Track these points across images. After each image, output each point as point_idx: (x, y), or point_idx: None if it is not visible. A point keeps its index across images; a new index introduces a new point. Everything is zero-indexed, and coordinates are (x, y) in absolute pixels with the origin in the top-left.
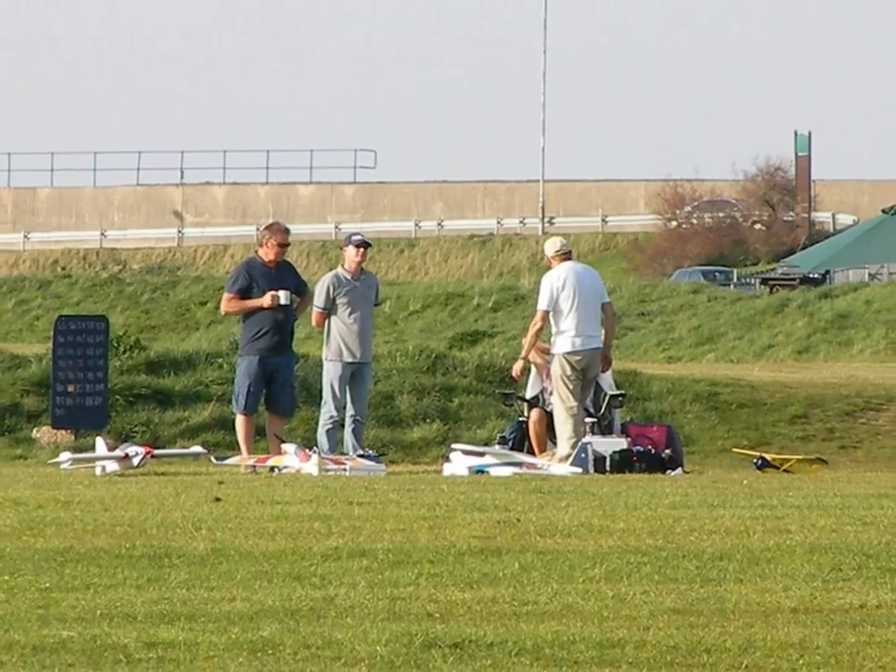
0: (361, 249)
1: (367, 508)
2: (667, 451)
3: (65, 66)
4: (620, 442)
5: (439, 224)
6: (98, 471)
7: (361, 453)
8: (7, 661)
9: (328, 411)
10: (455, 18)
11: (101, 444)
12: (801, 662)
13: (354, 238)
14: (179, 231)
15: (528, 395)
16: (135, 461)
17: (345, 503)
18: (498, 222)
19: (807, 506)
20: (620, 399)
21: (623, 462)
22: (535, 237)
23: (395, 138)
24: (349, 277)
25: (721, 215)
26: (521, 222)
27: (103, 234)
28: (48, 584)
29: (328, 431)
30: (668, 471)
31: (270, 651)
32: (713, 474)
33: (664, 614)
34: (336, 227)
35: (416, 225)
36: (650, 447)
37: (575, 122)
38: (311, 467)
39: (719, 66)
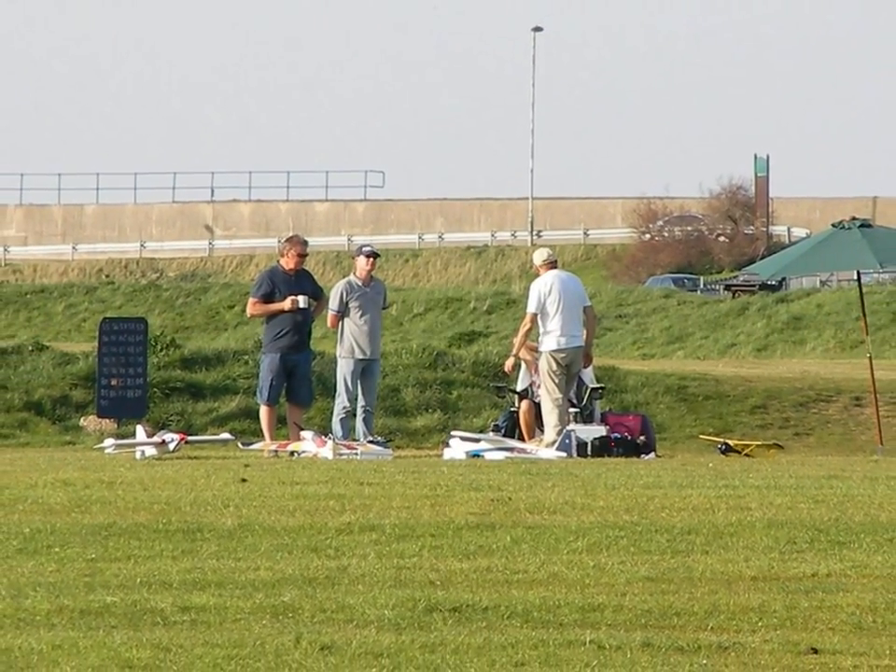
0: (371, 259)
1: (376, 488)
2: (642, 437)
3: (110, 97)
4: (599, 430)
5: (439, 237)
6: (138, 455)
7: (371, 439)
8: (57, 623)
9: (341, 402)
10: (454, 56)
11: (140, 432)
12: (760, 624)
13: (364, 249)
14: (210, 243)
15: (519, 388)
16: (171, 446)
17: (357, 483)
18: (492, 235)
19: (766, 486)
20: (599, 391)
21: (602, 447)
22: (525, 248)
23: (401, 160)
24: (360, 284)
25: (689, 228)
26: (512, 235)
27: (142, 246)
28: (93, 555)
29: (341, 420)
30: (643, 455)
31: (290, 615)
32: (682, 458)
33: (638, 582)
34: (349, 239)
35: (419, 238)
36: (626, 434)
37: (560, 147)
38: (326, 451)
39: (688, 97)
